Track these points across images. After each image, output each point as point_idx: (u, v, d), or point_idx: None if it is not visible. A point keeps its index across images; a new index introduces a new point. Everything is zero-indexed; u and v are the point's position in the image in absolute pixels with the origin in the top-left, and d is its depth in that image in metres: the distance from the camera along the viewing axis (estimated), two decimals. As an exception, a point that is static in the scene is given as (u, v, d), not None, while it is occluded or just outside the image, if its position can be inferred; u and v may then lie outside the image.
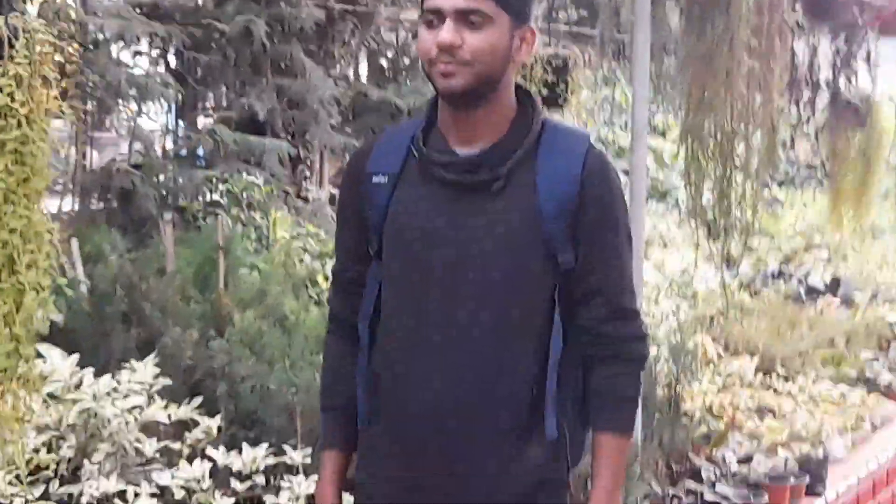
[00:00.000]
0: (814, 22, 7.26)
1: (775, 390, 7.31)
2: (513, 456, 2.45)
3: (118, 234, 7.34)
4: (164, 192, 8.43)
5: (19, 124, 3.20)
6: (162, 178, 8.40)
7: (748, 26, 5.58)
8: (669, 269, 9.94)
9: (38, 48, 3.32)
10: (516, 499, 2.47)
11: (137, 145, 8.83)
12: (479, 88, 2.38)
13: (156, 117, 9.80)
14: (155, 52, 9.53)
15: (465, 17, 2.33)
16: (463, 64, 2.35)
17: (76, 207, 8.11)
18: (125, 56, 9.21)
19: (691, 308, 8.95)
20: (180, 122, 10.05)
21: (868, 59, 8.15)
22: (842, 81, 8.10)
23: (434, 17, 2.36)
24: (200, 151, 9.10)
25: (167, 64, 9.65)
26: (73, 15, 7.80)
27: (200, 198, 8.67)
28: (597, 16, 10.18)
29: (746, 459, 5.96)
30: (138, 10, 9.05)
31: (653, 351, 7.25)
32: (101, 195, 8.24)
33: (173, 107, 10.00)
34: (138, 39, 8.97)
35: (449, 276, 2.43)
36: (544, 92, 5.19)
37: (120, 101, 8.39)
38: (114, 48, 9.03)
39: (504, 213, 2.42)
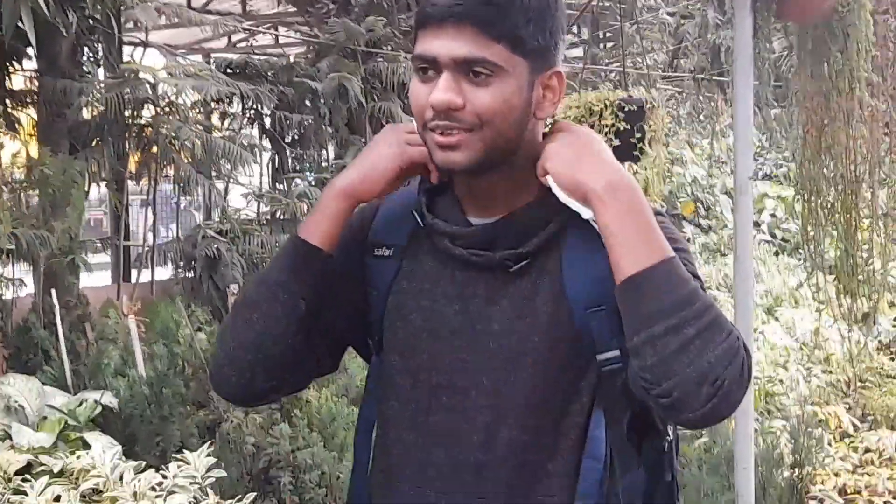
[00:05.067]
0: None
1: (921, 468, 6.54)
2: None
3: (198, 306, 7.01)
4: (253, 259, 8.09)
5: None
6: (250, 243, 8.06)
7: (870, 60, 4.94)
8: (801, 330, 9.19)
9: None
10: None
11: (226, 210, 8.54)
12: (490, 160, 1.80)
13: (247, 180, 9.56)
14: (248, 114, 9.29)
15: (467, 69, 1.75)
16: (467, 130, 1.77)
17: (156, 278, 7.83)
18: (215, 118, 9.02)
19: (824, 373, 8.20)
20: (274, 185, 9.75)
21: None
22: None
23: (428, 66, 1.79)
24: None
25: (261, 125, 9.39)
26: (149, 77, 7.67)
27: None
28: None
29: (884, 554, 5.26)
30: (228, 71, 8.84)
31: (777, 424, 6.63)
32: (185, 264, 7.94)
33: (266, 169, 9.77)
34: (228, 100, 8.71)
35: (458, 381, 1.87)
36: (616, 142, 4.60)
37: (207, 164, 8.12)
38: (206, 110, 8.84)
39: (529, 301, 1.84)
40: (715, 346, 1.65)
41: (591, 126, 4.56)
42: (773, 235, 13.56)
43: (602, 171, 1.74)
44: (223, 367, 1.90)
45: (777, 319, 9.73)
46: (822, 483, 5.89)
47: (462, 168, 1.79)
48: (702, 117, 10.15)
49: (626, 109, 4.65)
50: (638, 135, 4.56)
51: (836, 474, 6.13)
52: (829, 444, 6.49)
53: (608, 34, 14.16)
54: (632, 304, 1.71)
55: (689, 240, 13.13)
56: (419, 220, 1.93)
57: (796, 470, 5.44)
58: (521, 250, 1.83)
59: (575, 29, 14.19)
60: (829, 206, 5.29)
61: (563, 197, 1.75)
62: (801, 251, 12.13)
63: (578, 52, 14.77)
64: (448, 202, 1.92)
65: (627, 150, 4.59)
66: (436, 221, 1.89)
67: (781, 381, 7.83)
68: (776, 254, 12.85)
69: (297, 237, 1.85)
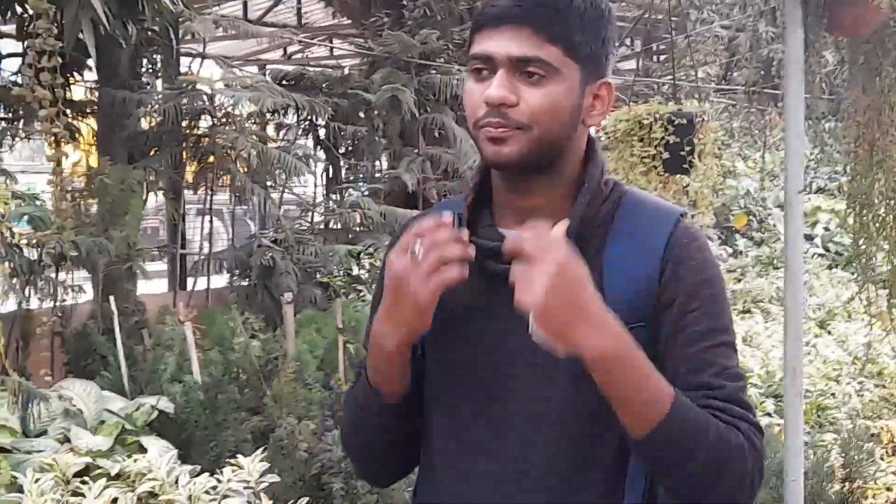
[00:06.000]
0: None
1: (976, 484, 6.45)
2: None
3: (252, 314, 7.09)
4: (307, 268, 8.18)
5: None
6: (304, 253, 8.15)
7: (923, 74, 4.93)
8: (854, 344, 9.12)
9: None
10: None
11: (280, 220, 8.63)
12: (536, 159, 1.84)
13: (301, 190, 9.66)
14: (303, 125, 9.39)
15: (522, 68, 1.81)
16: (517, 127, 1.81)
17: (211, 286, 7.93)
18: (271, 129, 9.13)
19: (877, 387, 8.14)
20: (328, 195, 9.85)
21: None
22: None
23: (484, 66, 1.84)
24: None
25: (316, 136, 9.49)
26: (206, 88, 7.78)
27: (344, 273, 8.40)
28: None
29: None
30: (284, 83, 8.94)
31: (828, 437, 6.60)
32: (240, 272, 8.05)
33: (320, 179, 9.86)
34: (283, 111, 8.82)
35: (498, 393, 1.91)
36: (665, 155, 4.62)
37: (262, 174, 8.22)
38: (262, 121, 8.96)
39: None
40: (719, 491, 1.78)
41: (641, 140, 4.60)
42: (827, 249, 13.46)
43: (592, 339, 1.70)
44: (363, 471, 2.23)
45: (830, 333, 9.67)
46: (873, 497, 5.85)
47: (510, 162, 1.84)
48: (755, 130, 10.10)
49: (676, 123, 4.67)
50: (688, 148, 4.59)
51: (888, 489, 6.08)
52: (882, 459, 6.44)
53: (661, 46, 14.15)
54: (642, 460, 1.83)
55: (741, 252, 13.07)
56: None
57: (847, 484, 5.41)
58: None
59: (628, 41, 14.19)
60: (880, 220, 5.27)
61: (536, 333, 1.73)
62: (853, 265, 12.05)
63: (631, 64, 14.78)
64: (487, 218, 1.96)
65: (677, 163, 4.62)
66: (474, 239, 1.87)
67: (833, 395, 7.78)
68: (829, 267, 12.75)
69: (382, 404, 1.95)
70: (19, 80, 6.48)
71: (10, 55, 7.11)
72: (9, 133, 7.47)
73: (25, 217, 6.54)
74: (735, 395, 1.83)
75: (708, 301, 1.87)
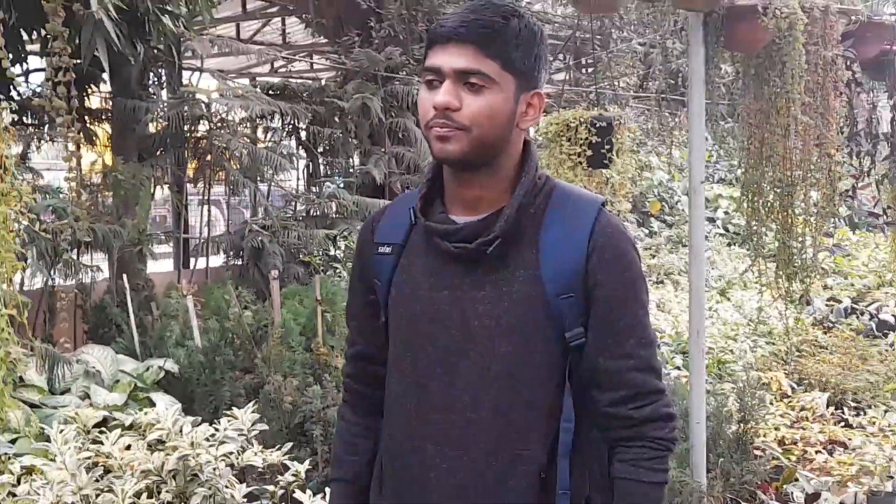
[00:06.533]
0: (874, 78, 6.56)
1: (847, 423, 6.51)
2: None
3: (245, 288, 7.03)
4: (291, 249, 8.11)
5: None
6: (288, 236, 8.08)
7: (803, 85, 4.95)
8: (748, 309, 9.19)
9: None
10: None
11: (268, 208, 8.55)
12: (476, 155, 1.85)
13: (286, 183, 9.57)
14: (287, 128, 9.29)
15: (465, 79, 1.81)
16: (459, 128, 1.82)
17: (210, 265, 7.85)
18: (259, 132, 9.03)
19: (768, 344, 8.20)
20: (308, 187, 9.76)
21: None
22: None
23: (434, 77, 1.85)
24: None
25: (298, 138, 9.40)
26: (204, 98, 7.69)
27: (322, 253, 8.34)
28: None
29: (815, 496, 5.22)
30: (270, 92, 8.85)
31: (727, 386, 6.63)
32: (234, 253, 7.98)
33: (302, 174, 9.78)
34: (270, 117, 8.72)
35: (451, 357, 1.91)
36: (589, 153, 4.62)
37: (252, 170, 8.13)
38: (252, 125, 8.86)
39: (507, 288, 1.88)
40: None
41: (568, 140, 4.60)
42: (727, 229, 13.54)
43: None
44: None
45: (728, 299, 9.73)
46: (764, 436, 5.89)
47: (453, 157, 1.84)
48: (665, 130, 10.16)
49: (598, 125, 4.68)
50: (608, 146, 4.60)
51: (777, 428, 6.14)
52: (771, 404, 6.49)
53: (588, 60, 14.12)
54: None
55: (655, 233, 13.12)
56: (414, 219, 1.98)
57: (742, 425, 5.44)
58: (491, 235, 1.87)
59: (560, 56, 14.16)
60: (769, 206, 5.32)
61: None
62: (748, 243, 12.11)
63: (562, 75, 14.74)
64: (439, 206, 1.97)
65: (599, 159, 4.63)
66: (430, 221, 1.92)
67: (732, 351, 7.84)
68: (728, 245, 12.83)
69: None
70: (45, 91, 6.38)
71: (36, 70, 7.00)
72: (35, 136, 7.37)
73: (50, 208, 6.46)
74: (648, 363, 1.90)
75: (628, 283, 1.90)
